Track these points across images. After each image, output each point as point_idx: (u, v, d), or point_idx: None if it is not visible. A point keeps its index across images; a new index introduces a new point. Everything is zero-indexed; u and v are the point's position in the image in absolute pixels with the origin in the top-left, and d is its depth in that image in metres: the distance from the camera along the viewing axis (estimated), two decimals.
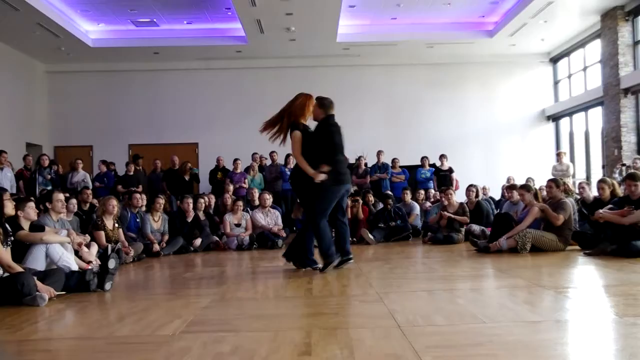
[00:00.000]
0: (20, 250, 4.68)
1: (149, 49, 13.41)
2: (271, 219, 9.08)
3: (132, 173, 11.33)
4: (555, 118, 15.00)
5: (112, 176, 11.74)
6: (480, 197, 9.67)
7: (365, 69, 14.69)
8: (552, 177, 9.46)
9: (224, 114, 14.53)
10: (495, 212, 9.60)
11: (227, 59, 14.20)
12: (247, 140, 13.83)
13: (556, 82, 15.11)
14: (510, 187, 8.90)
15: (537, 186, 9.06)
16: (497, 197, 11.91)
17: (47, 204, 5.84)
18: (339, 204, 5.45)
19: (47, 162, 10.78)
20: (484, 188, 11.56)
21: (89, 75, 14.55)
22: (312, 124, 5.70)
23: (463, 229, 8.37)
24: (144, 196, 8.69)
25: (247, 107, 14.44)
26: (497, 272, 5.17)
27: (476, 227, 8.25)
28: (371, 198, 9.97)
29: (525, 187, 7.15)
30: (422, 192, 10.82)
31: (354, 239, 8.91)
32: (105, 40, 13.09)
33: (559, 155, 12.30)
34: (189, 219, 8.55)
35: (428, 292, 4.16)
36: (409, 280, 4.85)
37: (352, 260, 5.61)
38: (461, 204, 8.76)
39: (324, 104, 5.61)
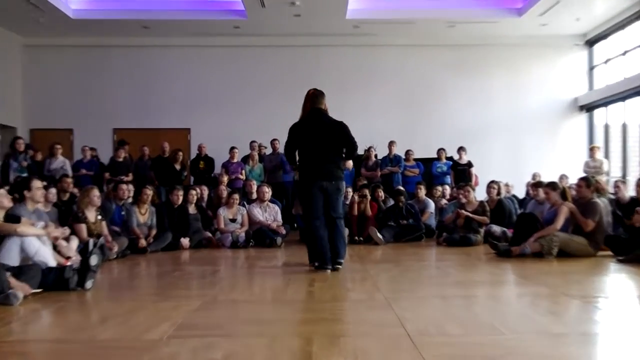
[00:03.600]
0: None
1: (137, 23, 13.38)
2: (270, 214, 9.11)
3: (121, 159, 11.32)
4: (589, 108, 14.93)
5: (97, 163, 11.76)
6: (502, 195, 9.66)
7: (377, 49, 14.65)
8: (583, 174, 9.45)
9: (220, 97, 14.51)
10: (519, 212, 9.61)
11: (223, 35, 14.17)
12: (245, 126, 13.94)
13: (591, 68, 15.03)
14: (535, 185, 8.89)
15: (569, 185, 9.06)
16: (522, 195, 11.90)
17: (25, 192, 5.86)
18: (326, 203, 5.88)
19: (22, 147, 10.78)
20: (506, 185, 11.55)
21: (70, 51, 14.53)
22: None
23: (482, 230, 8.38)
24: (131, 187, 8.71)
25: (245, 90, 14.45)
26: (519, 279, 5.19)
27: (497, 228, 8.26)
28: (381, 193, 9.97)
29: (551, 185, 7.15)
30: (440, 188, 10.82)
31: (361, 238, 8.96)
32: (88, 11, 13.02)
33: (592, 150, 12.26)
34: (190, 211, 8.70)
35: (442, 298, 4.19)
36: (421, 284, 4.88)
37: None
38: (481, 202, 8.76)
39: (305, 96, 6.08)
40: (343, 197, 6.07)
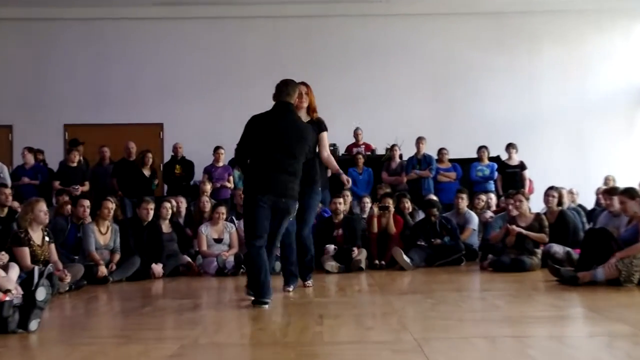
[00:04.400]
0: None
1: None
2: None
3: (74, 164, 11.32)
4: None
5: (45, 170, 11.75)
6: (565, 206, 9.61)
7: (399, 20, 14.63)
8: None
9: (200, 84, 14.50)
10: (587, 226, 9.54)
11: (201, 4, 14.19)
12: (233, 120, 13.75)
13: None
14: (608, 192, 8.83)
15: None
16: (590, 205, 11.83)
17: None
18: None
19: None
20: (570, 192, 11.48)
21: (5, 25, 14.52)
22: None
23: (539, 251, 8.34)
24: (87, 202, 8.69)
25: (232, 74, 14.41)
26: (589, 313, 5.15)
27: (558, 249, 8.21)
28: (408, 204, 9.94)
29: (629, 193, 7.08)
30: (483, 197, 10.79)
31: (383, 263, 8.93)
32: None
33: None
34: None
35: (487, 339, 4.16)
36: (461, 321, 4.85)
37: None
38: (537, 214, 8.71)
39: (276, 87, 6.20)
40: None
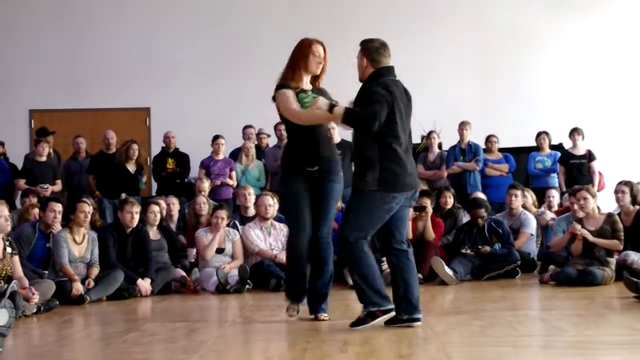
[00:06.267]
0: None
1: None
2: (276, 239, 9.11)
3: (43, 158, 11.36)
4: None
5: (6, 165, 11.77)
6: None
7: None
8: None
9: (195, 59, 14.51)
10: None
11: None
12: (235, 103, 13.90)
13: None
14: None
15: None
16: None
17: None
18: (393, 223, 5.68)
19: None
20: None
21: None
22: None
23: (613, 260, 8.28)
24: (59, 207, 8.70)
25: (234, 47, 14.43)
26: None
27: (637, 257, 8.18)
28: (450, 200, 9.90)
29: None
30: (554, 193, 10.71)
31: (420, 276, 8.88)
32: None
33: None
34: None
35: None
36: (516, 348, 4.85)
37: (419, 322, 5.58)
38: (609, 215, 8.63)
39: (370, 48, 5.70)
40: None
